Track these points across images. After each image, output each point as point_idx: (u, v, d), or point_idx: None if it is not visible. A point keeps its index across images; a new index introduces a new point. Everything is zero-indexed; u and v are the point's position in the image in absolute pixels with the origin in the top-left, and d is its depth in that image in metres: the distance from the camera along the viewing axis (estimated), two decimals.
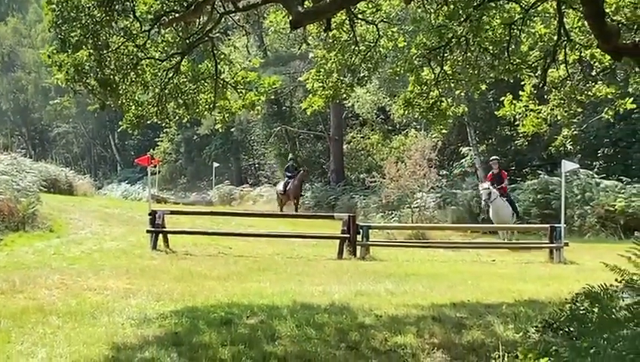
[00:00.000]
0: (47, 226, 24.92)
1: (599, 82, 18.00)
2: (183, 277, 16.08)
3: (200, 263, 18.94)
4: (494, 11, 15.44)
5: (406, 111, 19.03)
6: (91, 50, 14.71)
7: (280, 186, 42.73)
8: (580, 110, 19.22)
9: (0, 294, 13.20)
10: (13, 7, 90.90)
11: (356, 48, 16.96)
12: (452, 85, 17.73)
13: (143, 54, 15.43)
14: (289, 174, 42.04)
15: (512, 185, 36.30)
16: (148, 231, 22.15)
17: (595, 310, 8.85)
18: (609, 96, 18.09)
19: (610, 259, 9.37)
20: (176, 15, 14.76)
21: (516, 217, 27.64)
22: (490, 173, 28.74)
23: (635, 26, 14.96)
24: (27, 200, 25.03)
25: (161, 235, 21.96)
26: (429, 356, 9.74)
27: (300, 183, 42.51)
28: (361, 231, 22.38)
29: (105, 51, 14.87)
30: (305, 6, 13.84)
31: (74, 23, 14.50)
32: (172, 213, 25.38)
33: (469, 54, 16.46)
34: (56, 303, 12.71)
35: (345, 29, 16.38)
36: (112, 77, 15.30)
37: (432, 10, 16.08)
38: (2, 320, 10.78)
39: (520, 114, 18.03)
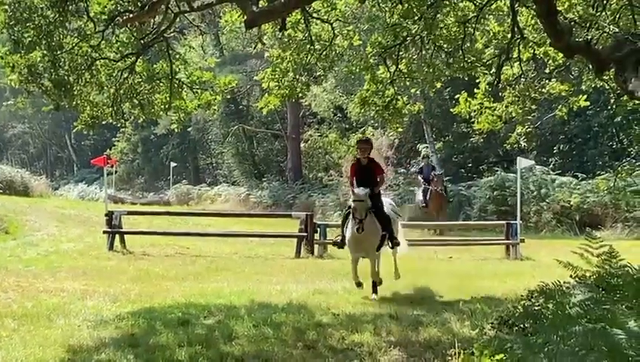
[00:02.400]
0: (3, 228, 24.81)
1: (553, 80, 18.17)
2: (140, 278, 16.06)
3: (157, 263, 18.94)
4: (448, 9, 15.60)
5: (362, 110, 19.12)
6: (45, 51, 14.71)
7: (419, 196, 33.86)
8: (534, 107, 19.35)
9: None
10: None
11: (312, 47, 17.01)
12: (408, 83, 17.86)
13: (97, 55, 15.43)
14: (425, 177, 32.49)
15: (469, 183, 36.52)
16: (104, 232, 22.12)
17: (550, 306, 8.95)
18: (563, 94, 18.29)
19: (565, 255, 9.47)
20: (131, 15, 14.73)
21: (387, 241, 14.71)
22: (352, 163, 15.96)
23: (588, 24, 15.12)
24: None
25: (118, 236, 21.94)
26: (386, 354, 9.78)
27: (443, 189, 34.10)
28: (318, 229, 22.49)
29: (59, 52, 14.86)
30: (260, 5, 13.89)
31: (27, 24, 14.50)
32: (129, 213, 25.37)
33: (423, 52, 16.62)
34: (12, 306, 12.65)
35: (300, 29, 16.43)
36: (66, 77, 15.30)
37: (386, 9, 16.20)
38: None
39: (475, 111, 18.17)
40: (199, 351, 9.65)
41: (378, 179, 13.21)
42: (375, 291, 13.80)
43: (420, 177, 33.42)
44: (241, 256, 20.91)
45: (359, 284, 13.79)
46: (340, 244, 13.77)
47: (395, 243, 13.95)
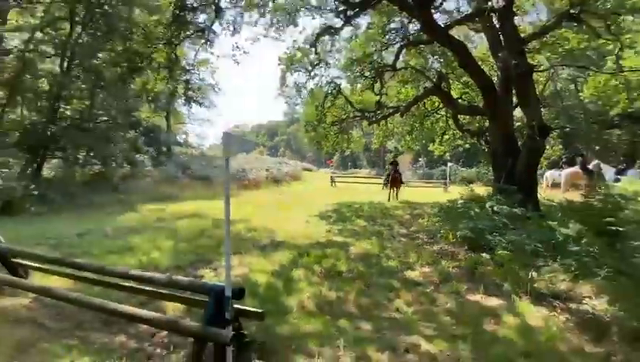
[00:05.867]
0: (297, 178, 24.64)
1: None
2: (340, 193, 15.42)
3: (346, 190, 18.19)
4: (426, 118, 14.41)
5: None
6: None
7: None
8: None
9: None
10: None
11: None
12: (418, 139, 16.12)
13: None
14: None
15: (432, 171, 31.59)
16: (330, 181, 21.55)
17: (453, 206, 8.66)
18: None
19: (460, 190, 9.04)
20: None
21: None
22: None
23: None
24: (289, 175, 23.87)
25: (334, 183, 21.18)
26: (402, 217, 9.55)
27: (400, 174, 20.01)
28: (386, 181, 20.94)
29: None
30: None
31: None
32: (338, 176, 24.59)
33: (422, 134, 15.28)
34: (286, 201, 12.30)
35: None
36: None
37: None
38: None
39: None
40: (357, 215, 9.58)
41: None
42: None
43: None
44: (370, 192, 19.91)
45: None
46: None
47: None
